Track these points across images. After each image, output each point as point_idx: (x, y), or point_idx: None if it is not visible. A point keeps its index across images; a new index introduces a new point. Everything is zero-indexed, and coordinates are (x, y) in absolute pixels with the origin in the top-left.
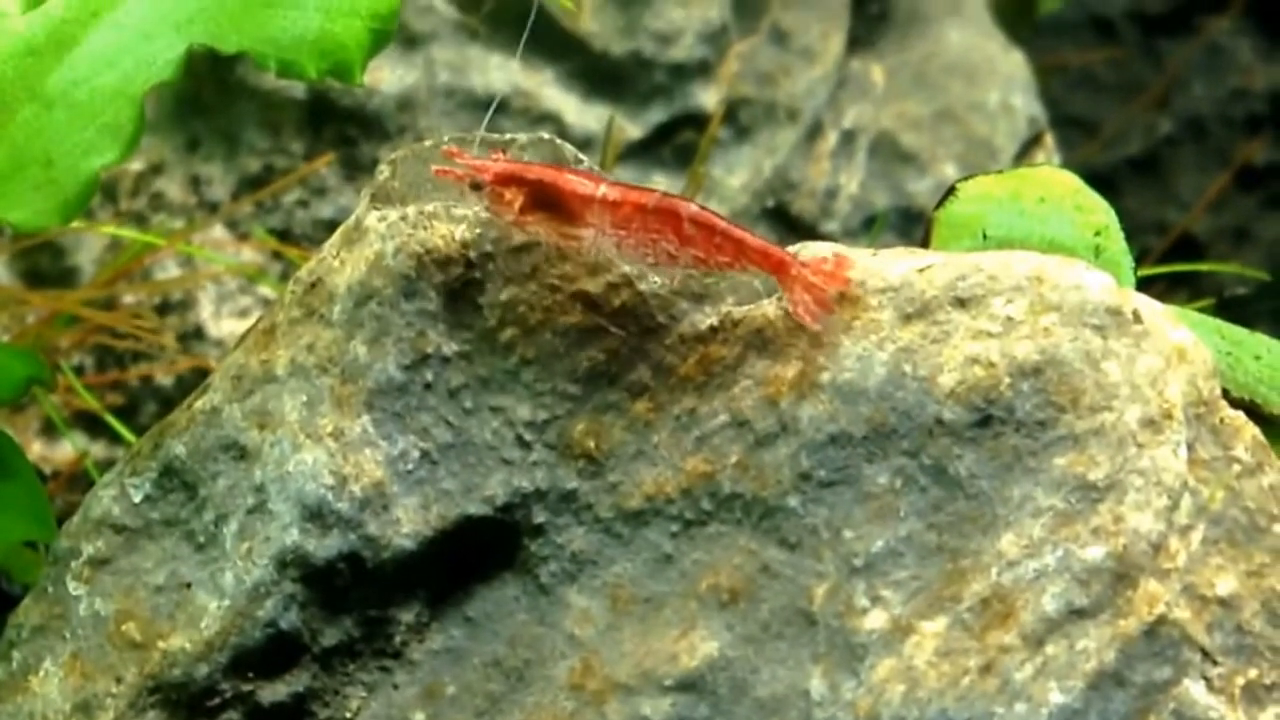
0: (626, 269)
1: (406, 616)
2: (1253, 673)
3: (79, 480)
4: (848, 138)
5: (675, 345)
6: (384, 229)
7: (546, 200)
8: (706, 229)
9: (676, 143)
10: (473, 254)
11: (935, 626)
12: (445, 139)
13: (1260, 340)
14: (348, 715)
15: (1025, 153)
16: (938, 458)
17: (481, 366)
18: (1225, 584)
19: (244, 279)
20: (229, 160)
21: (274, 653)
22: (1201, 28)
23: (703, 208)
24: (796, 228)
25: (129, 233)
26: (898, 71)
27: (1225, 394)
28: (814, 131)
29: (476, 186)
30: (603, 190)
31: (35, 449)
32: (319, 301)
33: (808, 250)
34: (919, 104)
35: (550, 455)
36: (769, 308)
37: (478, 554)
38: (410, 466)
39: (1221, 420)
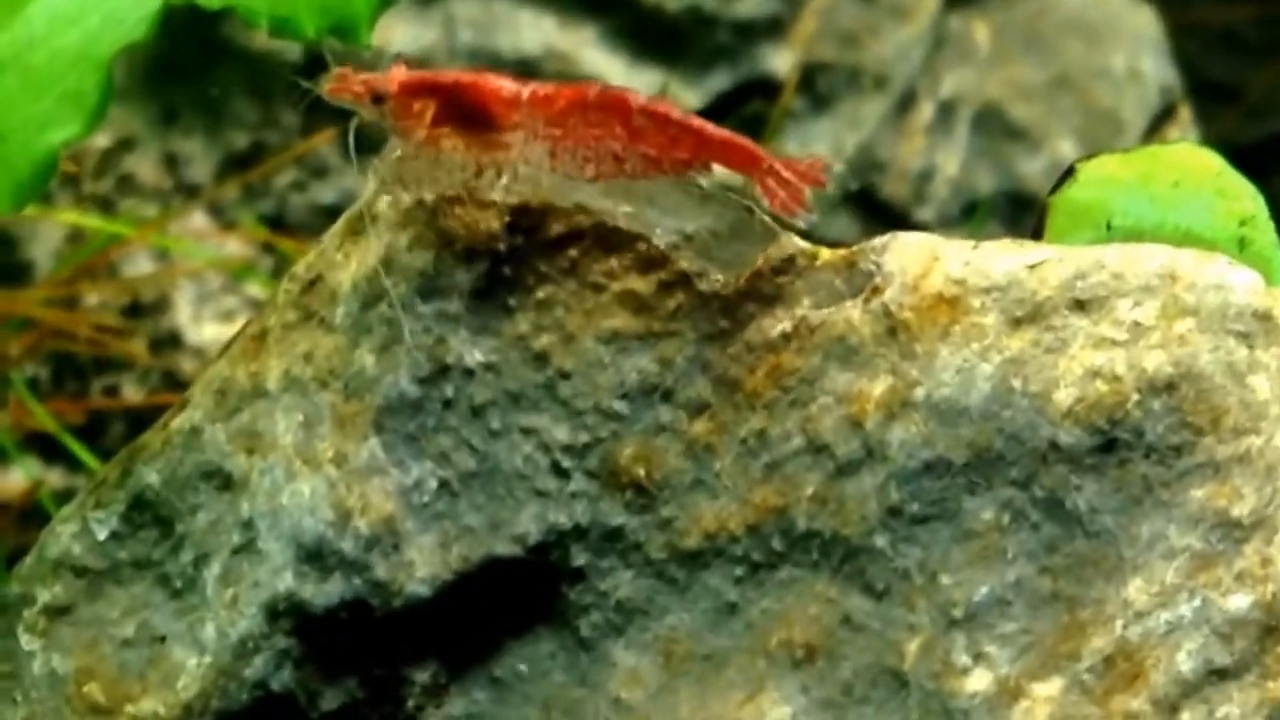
0: (659, 243)
1: (421, 676)
2: None
3: (33, 514)
4: (946, 109)
5: (741, 354)
6: (396, 217)
7: (463, 108)
8: (660, 121)
9: (743, 114)
10: (502, 246)
11: (1049, 689)
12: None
13: None
14: None
15: (1156, 127)
16: (1052, 489)
17: (511, 380)
18: None
19: (228, 276)
20: (211, 135)
21: (263, 719)
22: None
23: (654, 98)
24: (884, 215)
25: (93, 221)
26: (1005, 31)
27: None
28: (906, 102)
29: (379, 100)
30: (531, 87)
31: None
32: (318, 303)
33: (897, 242)
34: (1030, 69)
35: (592, 485)
36: (854, 311)
37: (506, 602)
38: (426, 499)
39: None
